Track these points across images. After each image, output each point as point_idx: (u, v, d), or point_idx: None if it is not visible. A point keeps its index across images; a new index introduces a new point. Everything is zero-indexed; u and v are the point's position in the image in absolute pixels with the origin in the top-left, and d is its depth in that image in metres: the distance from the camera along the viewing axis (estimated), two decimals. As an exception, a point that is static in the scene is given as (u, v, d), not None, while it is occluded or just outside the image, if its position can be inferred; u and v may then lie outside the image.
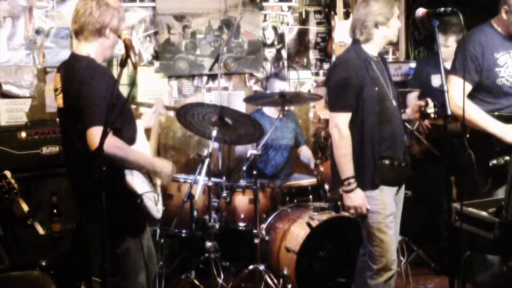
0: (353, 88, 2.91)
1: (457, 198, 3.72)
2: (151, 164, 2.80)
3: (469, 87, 3.17)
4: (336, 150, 2.95)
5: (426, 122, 4.17)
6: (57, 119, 2.98)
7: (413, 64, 5.09)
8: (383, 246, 2.97)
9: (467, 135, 3.18)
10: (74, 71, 2.64)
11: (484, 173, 3.11)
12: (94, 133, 2.50)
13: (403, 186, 3.19)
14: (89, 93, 2.55)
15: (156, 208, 2.81)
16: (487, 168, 3.06)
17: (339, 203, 3.84)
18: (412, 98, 4.44)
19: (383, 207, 2.96)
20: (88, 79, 2.57)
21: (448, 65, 4.30)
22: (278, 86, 4.53)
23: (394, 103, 3.04)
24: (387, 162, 2.95)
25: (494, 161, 3.04)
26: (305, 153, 4.72)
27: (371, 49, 3.03)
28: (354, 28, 3.03)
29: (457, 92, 2.96)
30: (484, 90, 3.21)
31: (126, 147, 2.66)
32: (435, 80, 4.30)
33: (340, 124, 2.92)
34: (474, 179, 3.15)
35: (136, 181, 2.71)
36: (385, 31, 2.99)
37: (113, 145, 2.53)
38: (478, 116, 3.16)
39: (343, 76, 2.94)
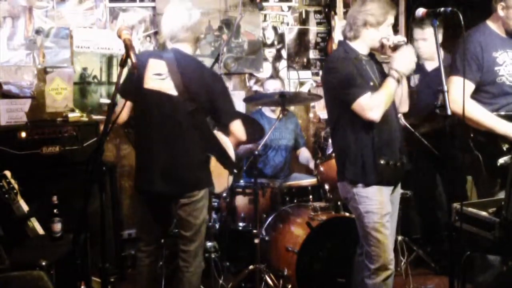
0: (357, 79, 2.90)
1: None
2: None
3: (472, 87, 3.16)
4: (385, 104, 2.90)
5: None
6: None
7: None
8: (380, 246, 2.96)
9: (471, 135, 3.16)
10: (192, 68, 3.09)
11: (492, 173, 3.09)
12: (239, 125, 3.14)
13: (399, 186, 3.19)
14: (223, 92, 3.14)
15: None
16: (495, 168, 3.04)
17: (339, 203, 3.85)
18: None
19: (380, 207, 2.96)
20: (212, 81, 3.10)
21: (428, 65, 4.30)
22: (272, 85, 4.55)
23: None
24: (383, 161, 2.95)
25: (502, 161, 3.02)
26: (304, 154, 4.73)
27: (360, 47, 3.01)
28: (346, 24, 3.04)
29: (459, 93, 2.95)
30: (483, 90, 3.21)
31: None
32: None
33: (367, 104, 2.85)
34: (482, 180, 3.14)
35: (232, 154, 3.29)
36: (374, 33, 2.96)
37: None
38: (484, 116, 3.14)
39: (344, 71, 2.91)
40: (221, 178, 3.27)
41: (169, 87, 3.03)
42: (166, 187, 3.08)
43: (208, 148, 3.14)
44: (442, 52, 4.14)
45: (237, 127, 3.13)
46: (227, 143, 3.24)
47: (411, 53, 2.95)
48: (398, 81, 2.91)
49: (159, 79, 3.02)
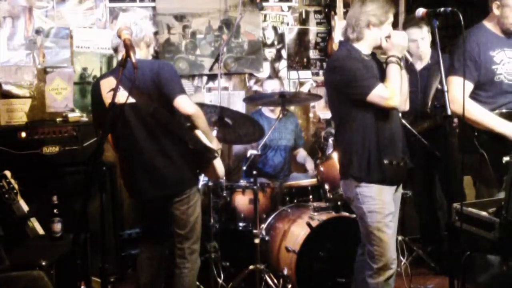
0: (366, 72, 2.90)
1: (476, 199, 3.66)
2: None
3: (470, 86, 3.17)
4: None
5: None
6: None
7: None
8: (382, 246, 2.97)
9: (476, 133, 3.15)
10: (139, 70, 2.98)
11: (498, 172, 3.08)
12: (183, 99, 3.03)
13: (401, 186, 3.19)
14: (167, 75, 3.06)
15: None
16: (500, 167, 3.03)
17: (339, 203, 3.85)
18: None
19: (383, 206, 2.96)
20: (158, 69, 3.06)
21: (417, 64, 4.26)
22: (270, 85, 4.55)
23: None
24: (387, 161, 2.95)
25: (507, 158, 3.01)
26: (302, 153, 4.74)
27: (363, 48, 3.02)
28: (347, 26, 3.04)
29: (458, 92, 2.95)
30: (482, 89, 3.21)
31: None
32: None
33: (385, 93, 2.86)
34: (488, 178, 3.13)
35: (206, 141, 3.18)
36: (377, 33, 2.97)
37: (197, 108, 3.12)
38: (483, 116, 3.14)
39: (351, 67, 2.92)
40: (210, 167, 3.24)
41: (126, 97, 3.02)
42: (154, 194, 3.13)
43: (181, 144, 3.10)
44: (430, 52, 4.16)
45: (180, 101, 3.04)
46: (198, 133, 3.22)
47: (399, 36, 2.96)
48: (398, 64, 2.93)
49: (115, 93, 3.01)
